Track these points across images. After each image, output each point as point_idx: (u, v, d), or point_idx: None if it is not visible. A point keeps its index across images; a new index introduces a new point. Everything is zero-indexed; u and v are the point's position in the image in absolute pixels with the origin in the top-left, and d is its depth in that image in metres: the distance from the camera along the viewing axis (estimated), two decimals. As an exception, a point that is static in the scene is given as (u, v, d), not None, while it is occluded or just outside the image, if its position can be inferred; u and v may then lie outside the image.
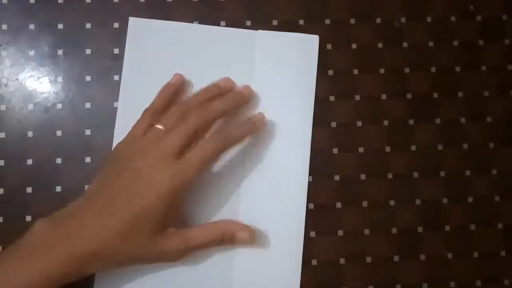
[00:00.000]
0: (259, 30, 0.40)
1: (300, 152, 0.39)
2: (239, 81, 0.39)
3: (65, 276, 0.30)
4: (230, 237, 0.35)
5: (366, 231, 0.39)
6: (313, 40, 0.40)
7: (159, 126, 0.34)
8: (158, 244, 0.32)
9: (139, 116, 0.36)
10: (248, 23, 0.40)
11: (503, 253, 0.40)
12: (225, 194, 0.38)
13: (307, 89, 0.40)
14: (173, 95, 0.37)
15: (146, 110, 0.36)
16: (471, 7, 0.42)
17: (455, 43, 0.41)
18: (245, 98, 0.38)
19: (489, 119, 0.41)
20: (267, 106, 0.39)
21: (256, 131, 0.37)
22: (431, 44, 0.41)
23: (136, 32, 0.39)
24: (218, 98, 0.36)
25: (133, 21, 0.39)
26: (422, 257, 0.39)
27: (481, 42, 0.41)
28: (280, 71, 0.39)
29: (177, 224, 0.34)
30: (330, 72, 0.40)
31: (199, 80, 0.38)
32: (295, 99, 0.39)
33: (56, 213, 0.32)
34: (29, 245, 0.30)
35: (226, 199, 0.38)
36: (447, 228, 0.39)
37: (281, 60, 0.40)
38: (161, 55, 0.39)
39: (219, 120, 0.36)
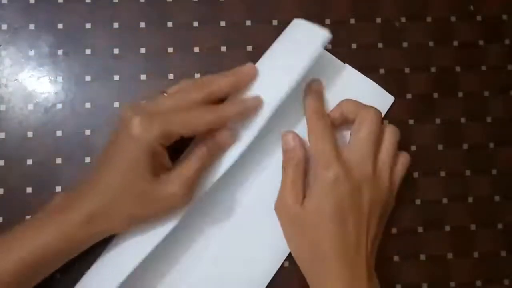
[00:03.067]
0: (346, 64, 0.39)
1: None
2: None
3: (82, 237, 0.32)
4: (214, 146, 0.34)
5: (366, 231, 0.39)
6: (388, 99, 0.40)
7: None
8: (157, 190, 0.32)
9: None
10: (248, 23, 0.40)
11: (503, 253, 0.40)
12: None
13: None
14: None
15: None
16: (471, 7, 0.42)
17: (455, 43, 0.41)
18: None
19: (489, 119, 0.41)
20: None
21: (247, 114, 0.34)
22: (431, 44, 0.41)
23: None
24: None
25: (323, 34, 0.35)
26: (422, 257, 0.39)
27: (481, 42, 0.41)
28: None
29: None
30: (330, 72, 0.40)
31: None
32: None
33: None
34: (47, 211, 0.33)
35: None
36: (447, 228, 0.39)
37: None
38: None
39: None
